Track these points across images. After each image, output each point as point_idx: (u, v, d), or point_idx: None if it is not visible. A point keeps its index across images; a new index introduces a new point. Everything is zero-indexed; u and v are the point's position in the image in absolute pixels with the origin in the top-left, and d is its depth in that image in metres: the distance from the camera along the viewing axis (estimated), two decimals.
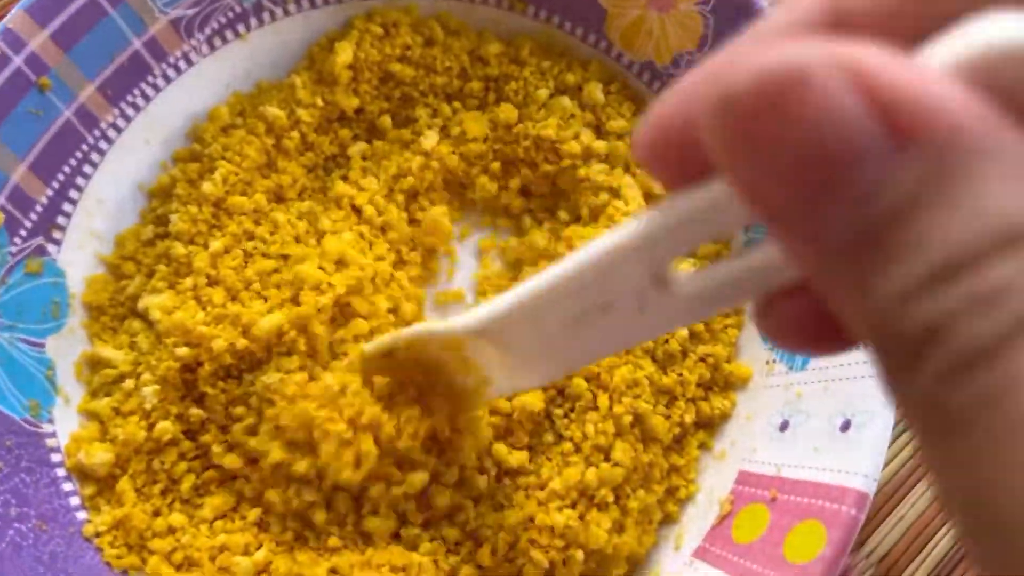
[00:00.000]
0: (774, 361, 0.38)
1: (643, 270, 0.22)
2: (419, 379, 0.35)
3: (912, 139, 0.13)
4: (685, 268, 0.24)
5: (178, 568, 0.36)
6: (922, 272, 0.13)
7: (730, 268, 0.21)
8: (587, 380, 0.37)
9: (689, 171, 0.18)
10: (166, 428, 0.36)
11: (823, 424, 0.35)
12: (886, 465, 0.43)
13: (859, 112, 0.13)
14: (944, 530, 0.42)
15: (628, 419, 0.37)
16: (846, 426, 0.34)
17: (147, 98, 0.40)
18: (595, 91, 0.42)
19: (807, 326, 0.19)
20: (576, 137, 0.41)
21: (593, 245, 0.23)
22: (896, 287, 0.13)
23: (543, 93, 0.42)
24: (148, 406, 0.36)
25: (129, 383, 0.37)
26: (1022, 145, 0.13)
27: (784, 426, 0.37)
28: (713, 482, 0.38)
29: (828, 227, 0.14)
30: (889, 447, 0.42)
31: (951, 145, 0.13)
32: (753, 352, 0.40)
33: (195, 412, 0.36)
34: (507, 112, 0.42)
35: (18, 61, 0.36)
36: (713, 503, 0.37)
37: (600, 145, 0.41)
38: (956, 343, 0.12)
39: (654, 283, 0.22)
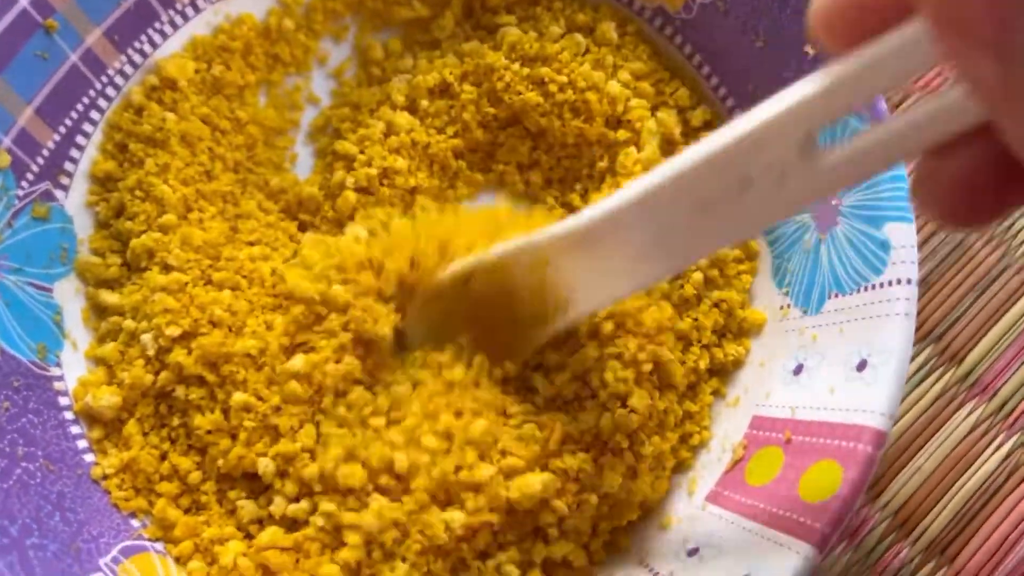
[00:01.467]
0: (788, 306, 0.38)
1: (795, 136, 0.22)
2: (482, 316, 0.34)
3: None
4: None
5: (185, 511, 0.35)
6: None
7: (876, 133, 0.21)
8: (616, 324, 0.36)
9: (861, 40, 0.20)
10: (169, 377, 0.36)
11: (838, 365, 0.34)
12: (903, 416, 0.42)
13: None
14: (961, 481, 0.41)
15: (648, 367, 0.36)
16: (862, 366, 0.33)
17: (154, 45, 0.40)
18: (609, 31, 0.41)
19: (967, 190, 0.20)
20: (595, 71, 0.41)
21: (746, 118, 0.23)
22: None
23: (556, 30, 0.41)
24: (150, 352, 0.36)
25: (130, 324, 0.36)
26: None
27: (799, 370, 0.36)
28: (727, 428, 0.38)
29: (1016, 36, 0.15)
30: (906, 398, 0.42)
31: None
32: (767, 298, 0.39)
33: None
34: (514, 37, 0.41)
35: (23, 2, 0.36)
36: (726, 449, 0.37)
37: (614, 86, 0.40)
38: None
39: (800, 151, 0.22)
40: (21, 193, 0.36)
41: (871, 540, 0.40)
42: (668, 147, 0.40)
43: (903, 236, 0.34)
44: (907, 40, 0.19)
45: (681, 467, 0.38)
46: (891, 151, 0.22)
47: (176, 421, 0.36)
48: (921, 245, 0.45)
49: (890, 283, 0.34)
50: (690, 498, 0.37)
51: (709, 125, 0.41)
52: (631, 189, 0.26)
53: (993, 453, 0.42)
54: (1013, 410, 0.43)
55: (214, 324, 0.36)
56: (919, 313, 0.44)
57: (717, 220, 0.25)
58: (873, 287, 0.34)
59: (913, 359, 0.43)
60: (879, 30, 0.20)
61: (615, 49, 0.42)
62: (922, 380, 0.43)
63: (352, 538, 0.33)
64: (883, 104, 0.35)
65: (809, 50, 0.37)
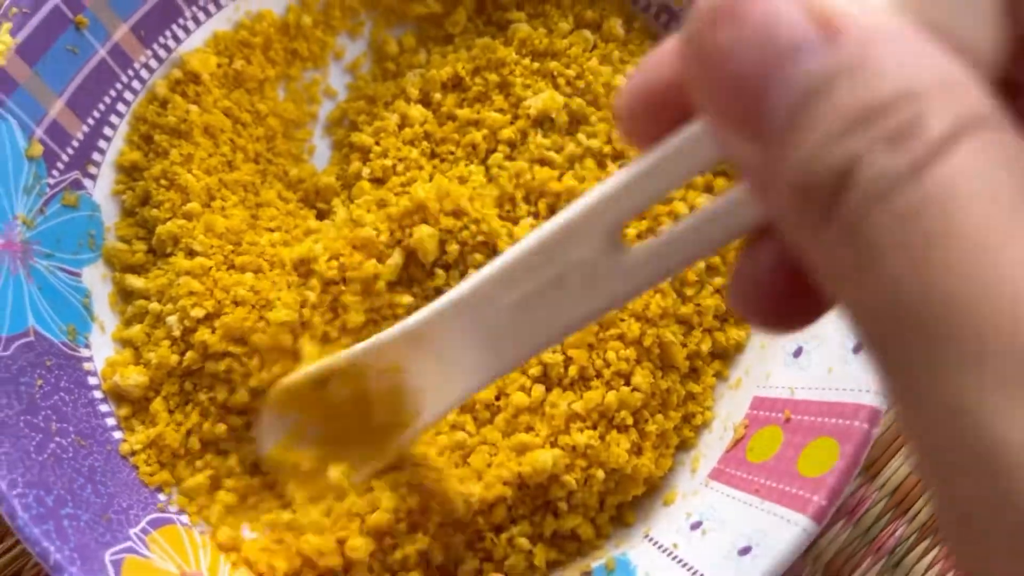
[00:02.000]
0: None
1: (599, 233, 0.23)
2: (339, 421, 0.35)
3: (838, 34, 0.15)
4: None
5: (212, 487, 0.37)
6: (832, 127, 0.15)
7: (680, 227, 0.22)
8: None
9: (662, 134, 0.21)
10: (194, 357, 0.37)
11: (836, 347, 0.36)
12: None
13: (797, 15, 0.15)
14: None
15: (655, 350, 0.38)
16: (859, 347, 0.35)
17: (178, 40, 0.42)
18: (615, 26, 0.43)
19: (773, 292, 0.20)
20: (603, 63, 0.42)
21: (552, 220, 0.24)
22: (813, 141, 0.15)
23: (565, 26, 0.43)
24: (176, 333, 0.37)
25: (155, 306, 0.38)
26: (926, 41, 0.15)
27: (798, 352, 0.38)
28: (728, 409, 0.39)
29: (768, 115, 0.16)
30: None
31: (869, 35, 0.15)
32: None
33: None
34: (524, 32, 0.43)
35: None
36: (728, 429, 0.38)
37: (621, 81, 0.42)
38: (871, 172, 0.14)
39: (607, 248, 0.23)
40: (52, 182, 0.38)
41: (869, 518, 0.42)
42: None
43: None
44: (699, 133, 0.20)
45: (685, 446, 0.39)
46: (691, 246, 0.22)
47: (204, 396, 0.37)
48: None
49: None
50: (693, 475, 0.38)
51: None
52: (460, 288, 0.28)
53: None
54: None
55: (237, 303, 0.37)
56: None
57: (538, 318, 0.26)
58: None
59: None
60: (677, 126, 0.20)
61: (622, 44, 0.43)
62: None
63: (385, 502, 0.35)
64: None
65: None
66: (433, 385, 0.32)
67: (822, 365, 0.36)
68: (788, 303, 0.20)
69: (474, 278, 0.27)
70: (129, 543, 0.33)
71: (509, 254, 0.25)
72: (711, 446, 0.38)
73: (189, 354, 0.37)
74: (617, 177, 0.22)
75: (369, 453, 0.35)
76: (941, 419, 0.13)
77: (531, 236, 0.25)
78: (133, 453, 0.37)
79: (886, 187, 0.14)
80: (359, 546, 0.34)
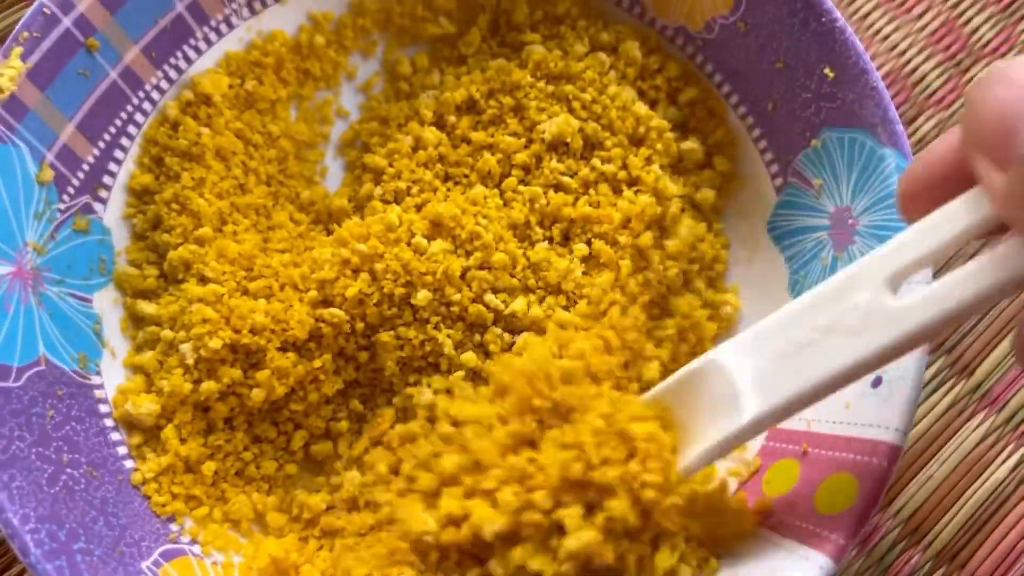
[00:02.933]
0: None
1: (878, 282, 0.27)
2: None
3: None
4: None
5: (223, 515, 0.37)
6: None
7: (954, 275, 0.25)
8: None
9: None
10: (211, 387, 0.37)
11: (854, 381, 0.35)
12: (917, 423, 0.43)
13: None
14: (971, 490, 0.42)
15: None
16: (877, 382, 0.35)
17: (189, 61, 0.41)
18: (632, 49, 0.42)
19: None
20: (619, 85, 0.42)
21: (839, 273, 0.28)
22: None
23: (580, 48, 0.42)
24: (189, 361, 0.37)
25: (168, 333, 0.38)
26: None
27: None
28: None
29: None
30: (920, 404, 0.43)
31: None
32: None
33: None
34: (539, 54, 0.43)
35: (67, 22, 0.37)
36: (746, 460, 0.38)
37: (640, 107, 0.42)
38: None
39: (883, 296, 0.27)
40: (63, 207, 0.38)
41: (883, 547, 0.42)
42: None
43: None
44: (975, 197, 0.25)
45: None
46: (965, 293, 0.25)
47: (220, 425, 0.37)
48: None
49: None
50: None
51: (721, 146, 0.43)
52: (751, 330, 0.31)
53: (1003, 463, 0.43)
54: (1022, 421, 0.44)
55: (255, 332, 0.37)
56: None
57: (803, 362, 0.28)
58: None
59: (924, 371, 0.44)
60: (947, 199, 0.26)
61: (638, 68, 0.43)
62: (933, 391, 0.44)
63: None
64: None
65: (828, 73, 0.38)
66: (694, 432, 0.33)
67: (839, 399, 0.36)
68: None
69: (764, 324, 0.30)
70: None
71: (797, 302, 0.29)
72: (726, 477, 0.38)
73: (204, 385, 0.37)
74: (892, 240, 0.27)
75: None
76: None
77: (812, 291, 0.28)
78: (144, 482, 0.36)
79: None
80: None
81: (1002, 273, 0.25)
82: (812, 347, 0.28)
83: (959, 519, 0.42)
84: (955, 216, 0.25)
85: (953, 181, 0.26)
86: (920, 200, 0.27)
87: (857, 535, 0.32)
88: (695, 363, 0.32)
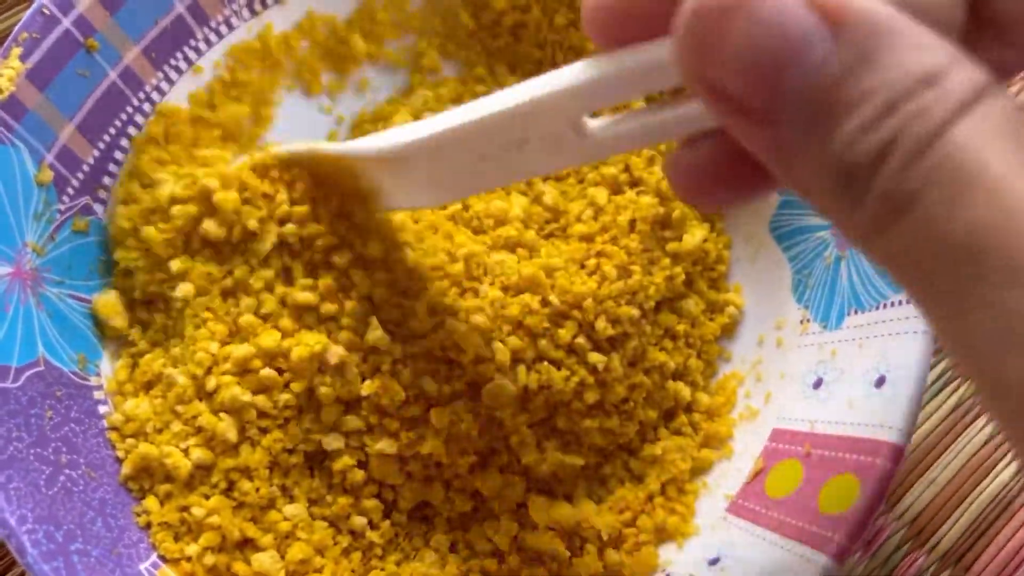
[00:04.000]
0: (808, 320, 0.39)
1: (566, 116, 0.26)
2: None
3: (841, 24, 0.17)
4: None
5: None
6: (869, 114, 0.17)
7: (644, 120, 0.25)
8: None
9: (627, 39, 0.23)
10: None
11: (857, 380, 0.35)
12: (922, 424, 0.43)
13: (800, 9, 0.18)
14: (976, 492, 0.42)
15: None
16: (880, 381, 0.34)
17: (189, 62, 0.41)
18: None
19: (714, 175, 0.25)
20: None
21: (523, 89, 0.26)
22: (851, 130, 0.17)
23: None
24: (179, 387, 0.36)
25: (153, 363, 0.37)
26: (915, 24, 0.18)
27: (818, 384, 0.37)
28: (747, 441, 0.39)
29: (785, 104, 0.18)
30: (926, 405, 0.43)
31: (872, 26, 0.17)
32: (787, 312, 0.40)
33: None
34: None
35: (67, 23, 0.37)
36: (747, 461, 0.38)
37: None
38: (904, 145, 0.17)
39: (572, 128, 0.26)
40: (62, 208, 0.38)
41: (887, 549, 0.41)
42: None
43: None
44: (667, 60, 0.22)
45: (702, 477, 0.39)
46: (649, 137, 0.26)
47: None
48: None
49: (908, 301, 0.35)
50: (712, 510, 0.37)
51: None
52: (420, 128, 0.30)
53: (1008, 465, 0.43)
54: None
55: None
56: None
57: (495, 167, 0.29)
58: (892, 304, 0.35)
59: (929, 371, 0.44)
60: (646, 36, 0.23)
61: None
62: (938, 392, 0.44)
63: None
64: None
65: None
66: (388, 189, 0.34)
67: (842, 398, 0.35)
68: (725, 187, 0.25)
69: (440, 122, 0.29)
70: None
71: (478, 111, 0.28)
72: (729, 478, 0.38)
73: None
74: (586, 72, 0.24)
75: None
76: (989, 321, 0.16)
77: (498, 103, 0.27)
78: (141, 489, 0.36)
79: (918, 150, 0.17)
80: None
81: (690, 126, 0.24)
82: (505, 155, 0.28)
83: (964, 521, 0.42)
84: (653, 75, 0.23)
85: (655, 9, 0.23)
86: (612, 24, 0.24)
87: (860, 536, 0.32)
88: (372, 146, 0.33)
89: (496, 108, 0.27)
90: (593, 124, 0.26)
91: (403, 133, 0.31)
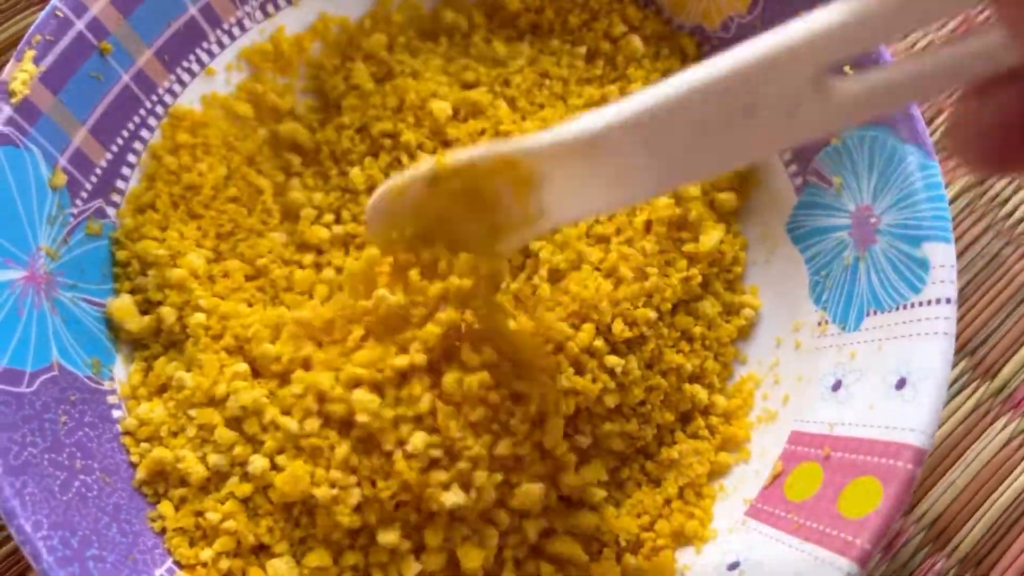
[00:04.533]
0: (826, 322, 0.38)
1: (807, 70, 0.22)
2: (449, 223, 0.33)
3: None
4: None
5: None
6: None
7: (901, 70, 0.21)
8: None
9: None
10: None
11: (878, 383, 0.35)
12: (940, 426, 0.43)
13: None
14: (996, 495, 0.42)
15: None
16: (901, 384, 0.34)
17: (202, 64, 0.41)
18: (633, 41, 0.43)
19: (1003, 132, 0.20)
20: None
21: (757, 42, 0.22)
22: None
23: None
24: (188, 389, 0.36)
25: (166, 366, 0.38)
26: None
27: (837, 386, 0.37)
28: (764, 444, 0.38)
29: None
30: (943, 407, 0.43)
31: None
32: (804, 314, 0.40)
33: None
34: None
35: (80, 25, 0.37)
36: (767, 464, 0.37)
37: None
38: None
39: (814, 84, 0.22)
40: (75, 211, 0.37)
41: (906, 553, 0.41)
42: None
43: (942, 255, 0.34)
44: None
45: (720, 480, 0.38)
46: (907, 92, 0.22)
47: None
48: (956, 259, 0.45)
49: (929, 302, 0.34)
50: (730, 513, 0.37)
51: None
52: (628, 105, 0.25)
53: None
54: None
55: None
56: None
57: (717, 143, 0.25)
58: (912, 305, 0.35)
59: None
60: None
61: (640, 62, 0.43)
62: (956, 394, 0.44)
63: None
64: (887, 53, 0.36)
65: (847, 69, 0.37)
66: (561, 194, 0.30)
67: (863, 401, 0.35)
68: (1010, 149, 0.20)
69: (651, 96, 0.25)
70: None
71: (700, 76, 0.24)
72: (748, 482, 0.38)
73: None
74: (836, 11, 0.21)
75: (476, 250, 0.33)
76: None
77: (728, 61, 0.23)
78: (155, 494, 0.36)
79: None
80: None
81: (956, 74, 0.21)
82: (728, 129, 0.24)
83: (983, 525, 0.41)
84: (907, 7, 0.20)
85: None
86: None
87: (882, 540, 0.31)
88: (573, 132, 0.28)
89: (721, 69, 0.23)
90: (840, 82, 0.22)
91: (607, 113, 0.26)
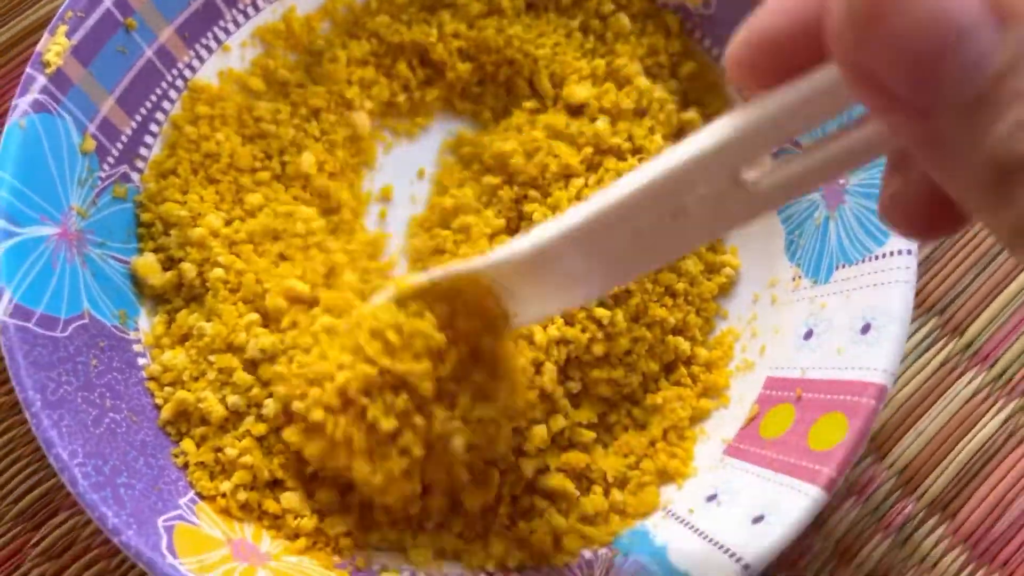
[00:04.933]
0: (800, 277, 0.41)
1: (727, 171, 0.24)
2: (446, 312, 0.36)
3: (1010, 18, 0.17)
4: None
5: None
6: None
7: (807, 160, 0.23)
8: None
9: (778, 79, 0.22)
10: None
11: (845, 329, 0.38)
12: (907, 383, 0.45)
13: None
14: (963, 444, 0.44)
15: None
16: (866, 328, 0.37)
17: (218, 41, 0.44)
18: (621, 19, 0.46)
19: (921, 208, 0.23)
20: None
21: (675, 153, 0.24)
22: (1009, 126, 0.17)
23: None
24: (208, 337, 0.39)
25: (187, 317, 0.40)
26: None
27: (808, 335, 0.39)
28: (742, 391, 0.41)
29: (942, 95, 0.17)
30: (910, 367, 0.45)
31: None
32: (780, 271, 0.42)
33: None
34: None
35: (107, 3, 0.40)
36: (744, 408, 0.40)
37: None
38: None
39: (732, 182, 0.24)
40: (103, 175, 0.40)
41: (878, 496, 0.44)
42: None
43: None
44: (830, 81, 0.21)
45: (700, 424, 0.41)
46: (820, 176, 0.24)
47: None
48: None
49: (891, 253, 0.37)
50: (710, 453, 0.40)
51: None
52: (568, 219, 0.28)
53: (993, 417, 0.45)
54: (1012, 377, 0.46)
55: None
56: (923, 288, 0.47)
57: (652, 244, 0.27)
58: (876, 257, 0.38)
59: (917, 331, 0.46)
60: (796, 71, 0.21)
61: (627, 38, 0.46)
62: (925, 350, 0.46)
63: None
64: None
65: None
66: (522, 301, 0.33)
67: (832, 346, 0.38)
68: (934, 218, 0.23)
69: (590, 208, 0.27)
70: (179, 511, 0.36)
71: (628, 187, 0.26)
72: (726, 424, 0.40)
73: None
74: (742, 118, 0.22)
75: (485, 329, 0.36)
76: None
77: (650, 173, 0.25)
78: (178, 432, 0.39)
79: None
80: None
81: (861, 157, 0.23)
82: (661, 228, 0.26)
83: (951, 471, 0.44)
84: (814, 103, 0.21)
85: (804, 44, 0.21)
86: (761, 69, 0.22)
87: (847, 467, 0.34)
88: (521, 248, 0.30)
89: (647, 178, 0.25)
90: (753, 176, 0.24)
91: (549, 228, 0.29)
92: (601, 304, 0.40)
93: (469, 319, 0.35)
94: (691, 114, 0.45)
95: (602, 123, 0.43)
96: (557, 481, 0.38)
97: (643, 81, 0.44)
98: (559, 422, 0.39)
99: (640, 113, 0.44)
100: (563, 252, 0.29)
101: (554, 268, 0.30)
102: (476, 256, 0.34)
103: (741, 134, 0.23)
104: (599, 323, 0.40)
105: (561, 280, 0.31)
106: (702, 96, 0.45)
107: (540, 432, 0.38)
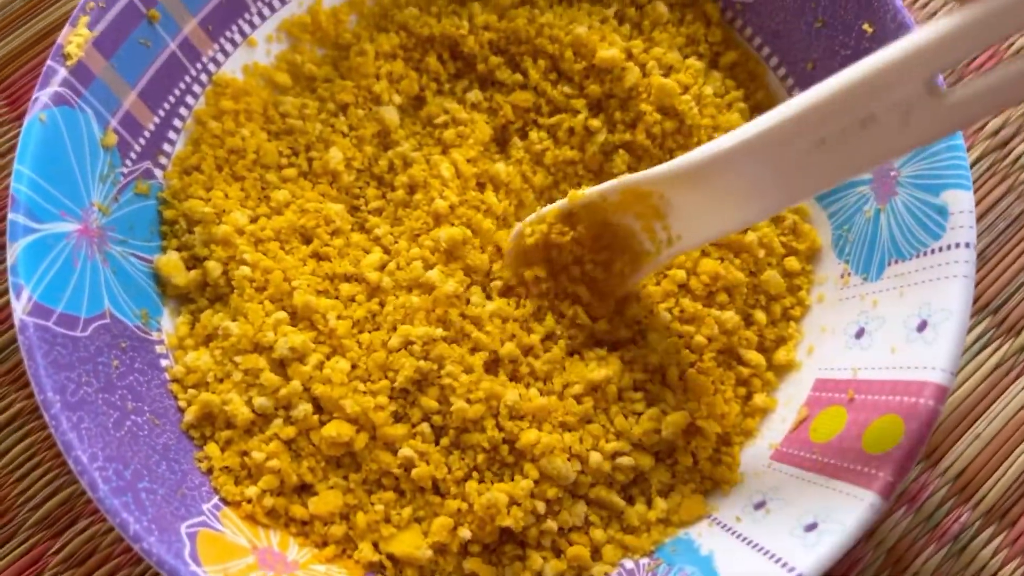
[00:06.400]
0: (848, 274, 0.39)
1: (921, 77, 0.23)
2: (579, 256, 0.37)
3: None
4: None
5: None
6: None
7: (1002, 71, 0.22)
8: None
9: None
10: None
11: (899, 327, 0.36)
12: (961, 385, 0.43)
13: None
14: (1021, 448, 0.42)
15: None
16: (922, 326, 0.35)
17: (244, 34, 0.43)
18: (659, 7, 0.44)
19: None
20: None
21: (871, 59, 0.24)
22: None
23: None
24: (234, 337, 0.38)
25: (212, 317, 0.39)
26: None
27: (860, 333, 0.38)
28: (790, 393, 0.39)
29: None
30: (964, 368, 0.43)
31: None
32: (827, 269, 0.41)
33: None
34: None
35: None
36: (791, 411, 0.38)
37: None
38: None
39: (927, 90, 0.23)
40: (125, 171, 0.39)
41: (931, 505, 0.42)
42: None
43: (961, 202, 0.35)
44: None
45: (747, 430, 0.39)
46: (1018, 89, 0.23)
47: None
48: (978, 220, 0.46)
49: (949, 247, 0.35)
50: (755, 459, 0.38)
51: (762, 108, 0.43)
52: (748, 129, 0.27)
53: None
54: None
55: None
56: (976, 286, 0.45)
57: (836, 156, 0.26)
58: (932, 251, 0.36)
59: (971, 331, 0.44)
60: None
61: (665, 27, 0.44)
62: (980, 351, 0.44)
63: None
64: None
65: (867, 28, 0.39)
66: (693, 218, 0.32)
67: (884, 345, 0.36)
68: None
69: (770, 117, 0.27)
70: (203, 517, 0.34)
71: (816, 94, 0.25)
72: (773, 429, 0.38)
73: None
74: (943, 24, 0.22)
75: (603, 288, 0.37)
76: None
77: (842, 78, 0.24)
78: (202, 436, 0.37)
79: None
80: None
81: None
82: (845, 139, 0.26)
83: (1008, 478, 0.42)
84: (1013, 11, 0.21)
85: None
86: None
87: (906, 472, 0.32)
88: (700, 155, 0.30)
89: (841, 82, 0.25)
90: (952, 86, 0.24)
91: (727, 139, 0.29)
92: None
93: (609, 250, 0.35)
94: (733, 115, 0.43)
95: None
96: (603, 493, 0.37)
97: (682, 76, 0.42)
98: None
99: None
100: (746, 162, 0.28)
101: (734, 180, 0.29)
102: (652, 168, 0.33)
103: (942, 36, 0.22)
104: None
105: (742, 193, 0.30)
106: (744, 86, 0.44)
107: (596, 457, 0.36)
